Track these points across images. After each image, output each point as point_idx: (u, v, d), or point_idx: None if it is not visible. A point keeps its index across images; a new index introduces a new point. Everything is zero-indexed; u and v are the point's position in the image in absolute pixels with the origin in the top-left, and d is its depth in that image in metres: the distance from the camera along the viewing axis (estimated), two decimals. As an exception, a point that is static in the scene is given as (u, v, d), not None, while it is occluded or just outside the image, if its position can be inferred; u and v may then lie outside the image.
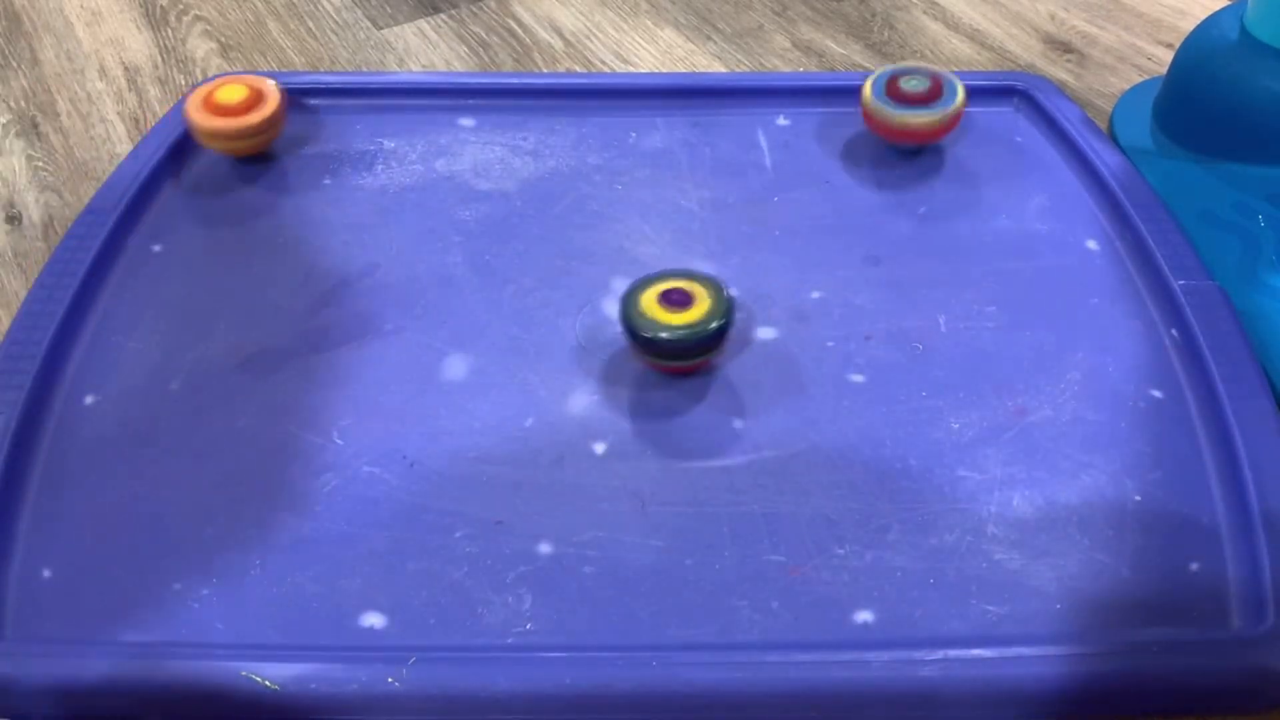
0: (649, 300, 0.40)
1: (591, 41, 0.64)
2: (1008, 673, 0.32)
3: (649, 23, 0.66)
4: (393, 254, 0.47)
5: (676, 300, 0.40)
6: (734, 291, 0.41)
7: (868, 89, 0.50)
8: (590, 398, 0.41)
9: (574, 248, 0.47)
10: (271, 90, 0.49)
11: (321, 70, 0.61)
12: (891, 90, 0.50)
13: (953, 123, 0.50)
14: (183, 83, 0.60)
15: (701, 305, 0.40)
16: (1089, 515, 0.37)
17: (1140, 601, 0.34)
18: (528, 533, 0.36)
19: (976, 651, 0.32)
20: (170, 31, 0.65)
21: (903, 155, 0.52)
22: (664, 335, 0.39)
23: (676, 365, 0.41)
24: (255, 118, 0.48)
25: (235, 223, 0.48)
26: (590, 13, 0.67)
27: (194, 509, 0.37)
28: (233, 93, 0.49)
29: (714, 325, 0.39)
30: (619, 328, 0.42)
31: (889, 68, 0.51)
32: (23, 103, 0.59)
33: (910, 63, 0.56)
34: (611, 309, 0.44)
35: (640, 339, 0.40)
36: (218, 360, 0.42)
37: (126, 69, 0.62)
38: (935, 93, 0.49)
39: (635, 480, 0.38)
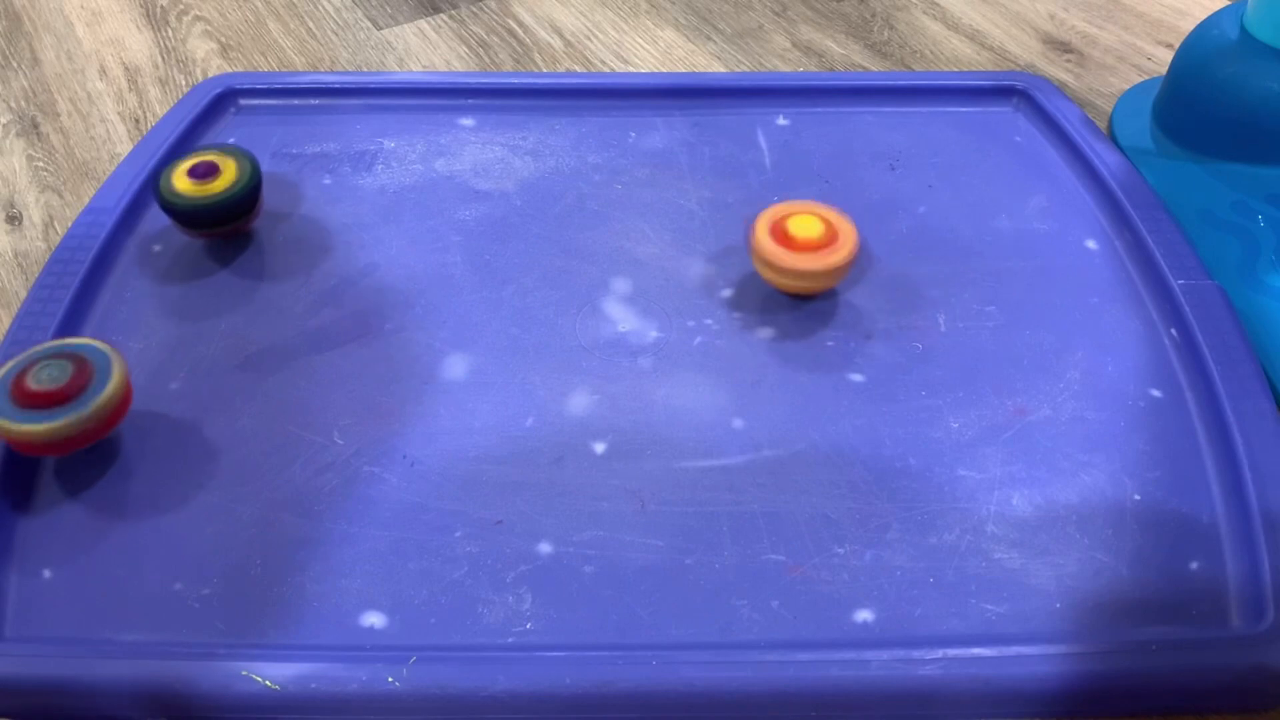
0: (179, 175, 0.44)
1: (591, 41, 0.64)
2: (1007, 672, 0.32)
3: (649, 23, 0.66)
4: (393, 254, 0.47)
5: (202, 173, 0.44)
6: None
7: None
8: (590, 398, 0.41)
9: (574, 248, 0.47)
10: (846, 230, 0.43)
11: (321, 70, 0.61)
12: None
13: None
14: (183, 83, 0.60)
15: (227, 176, 0.44)
16: (1088, 514, 0.37)
17: (1140, 600, 0.34)
18: (528, 532, 0.36)
19: (976, 650, 0.32)
20: (170, 31, 0.65)
21: (902, 156, 0.52)
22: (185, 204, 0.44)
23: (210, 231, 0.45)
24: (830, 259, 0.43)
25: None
26: (590, 13, 0.67)
27: (194, 509, 0.37)
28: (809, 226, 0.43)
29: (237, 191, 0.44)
30: (619, 328, 0.42)
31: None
32: (23, 103, 0.59)
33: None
34: (612, 309, 0.44)
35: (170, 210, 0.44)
36: (218, 360, 0.42)
37: (127, 69, 0.62)
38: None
39: (635, 480, 0.38)
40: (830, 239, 0.43)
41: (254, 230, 0.48)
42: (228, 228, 0.46)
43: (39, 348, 0.37)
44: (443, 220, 0.48)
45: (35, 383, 0.35)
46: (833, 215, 0.44)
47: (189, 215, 0.44)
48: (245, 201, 0.45)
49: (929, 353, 0.42)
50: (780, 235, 0.43)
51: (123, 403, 0.37)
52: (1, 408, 0.35)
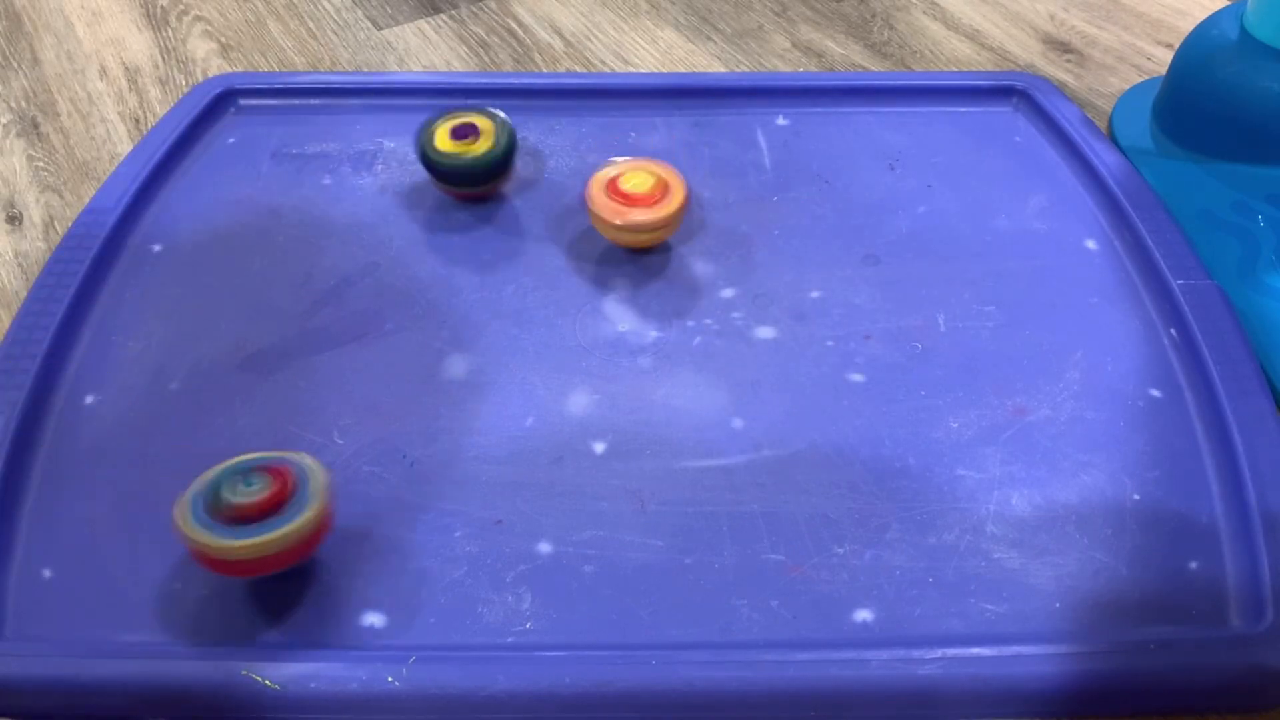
0: (442, 135, 0.47)
1: (591, 41, 0.64)
2: (1007, 671, 0.32)
3: (649, 23, 0.66)
4: (393, 254, 0.47)
5: (463, 133, 0.47)
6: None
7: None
8: (590, 398, 0.41)
9: (574, 248, 0.47)
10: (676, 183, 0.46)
11: (321, 70, 0.61)
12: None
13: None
14: (183, 83, 0.60)
15: (486, 138, 0.47)
16: (1088, 514, 0.37)
17: (1139, 600, 0.34)
18: (527, 532, 0.36)
19: (975, 650, 0.32)
20: (170, 31, 0.65)
21: (902, 156, 0.52)
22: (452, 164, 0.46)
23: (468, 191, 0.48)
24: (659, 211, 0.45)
25: (235, 223, 0.48)
26: (590, 13, 0.67)
27: (194, 509, 0.37)
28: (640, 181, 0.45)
29: (497, 154, 0.47)
30: (619, 327, 0.42)
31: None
32: (23, 103, 0.59)
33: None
34: (611, 309, 0.44)
35: (435, 170, 0.47)
36: (218, 360, 0.42)
37: (127, 69, 0.62)
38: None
39: (635, 480, 0.38)
40: (660, 193, 0.45)
41: (254, 229, 0.48)
42: (486, 187, 0.48)
43: (237, 461, 0.34)
44: (443, 220, 0.48)
45: (233, 496, 0.32)
46: (663, 170, 0.46)
47: (453, 175, 0.47)
48: (502, 163, 0.48)
49: (929, 353, 0.42)
50: (613, 190, 0.45)
51: (324, 521, 0.33)
52: (202, 521, 0.32)
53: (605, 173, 0.46)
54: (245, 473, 0.33)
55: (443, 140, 0.47)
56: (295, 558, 0.33)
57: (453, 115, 0.48)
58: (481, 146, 0.47)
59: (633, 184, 0.45)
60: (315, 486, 0.33)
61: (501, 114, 0.48)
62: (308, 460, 0.34)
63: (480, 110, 0.48)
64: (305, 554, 0.33)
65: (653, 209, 0.44)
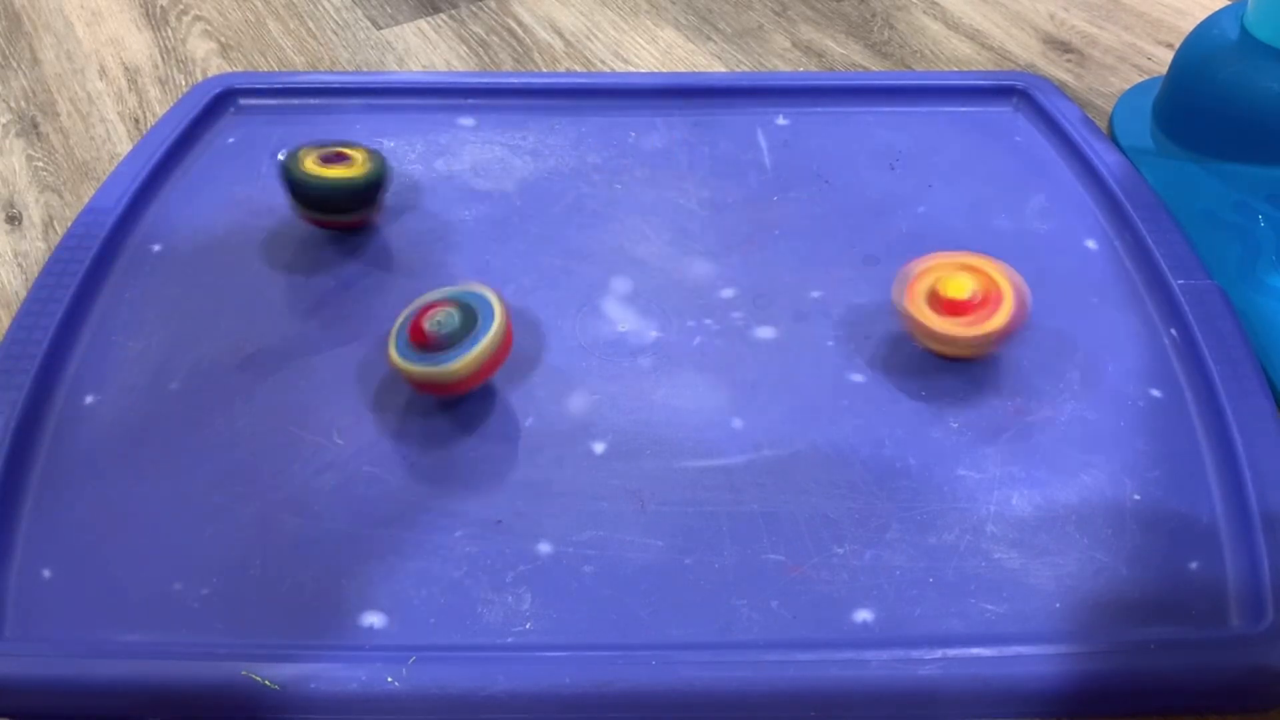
0: (309, 161, 0.45)
1: (591, 41, 0.64)
2: (1007, 672, 0.32)
3: (649, 23, 0.66)
4: (393, 254, 0.47)
5: (333, 159, 0.45)
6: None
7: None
8: (590, 398, 0.41)
9: (574, 248, 0.47)
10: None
11: (321, 70, 0.61)
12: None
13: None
14: (183, 83, 0.60)
15: (358, 165, 0.45)
16: (1088, 514, 0.37)
17: (1139, 600, 0.34)
18: (527, 532, 0.36)
19: (976, 650, 0.32)
20: (170, 31, 0.65)
21: (902, 156, 0.52)
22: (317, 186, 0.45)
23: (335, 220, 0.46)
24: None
25: (235, 223, 0.48)
26: (590, 13, 0.67)
27: (194, 509, 0.37)
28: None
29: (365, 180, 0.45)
30: (619, 328, 0.42)
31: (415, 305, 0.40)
32: (23, 103, 0.59)
33: None
34: (612, 309, 0.44)
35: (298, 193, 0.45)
36: (218, 360, 0.42)
37: (126, 69, 0.62)
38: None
39: (635, 480, 0.38)
40: (987, 299, 0.40)
41: (254, 229, 0.48)
42: (355, 215, 0.46)
43: (433, 295, 0.40)
44: (443, 220, 0.48)
45: (429, 326, 0.38)
46: (987, 266, 0.40)
47: (319, 198, 0.45)
48: (374, 188, 0.46)
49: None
50: (932, 297, 0.40)
51: (503, 348, 0.39)
52: (402, 351, 0.38)
53: (923, 275, 0.41)
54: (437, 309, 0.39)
55: (310, 164, 0.45)
56: (486, 374, 0.39)
57: (319, 146, 0.46)
58: (353, 170, 0.45)
59: (955, 289, 0.40)
60: (496, 312, 0.39)
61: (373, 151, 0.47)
62: (487, 292, 0.39)
63: (350, 144, 0.47)
64: (494, 369, 0.39)
65: (983, 319, 0.39)
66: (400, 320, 0.40)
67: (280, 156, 0.46)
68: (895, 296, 0.41)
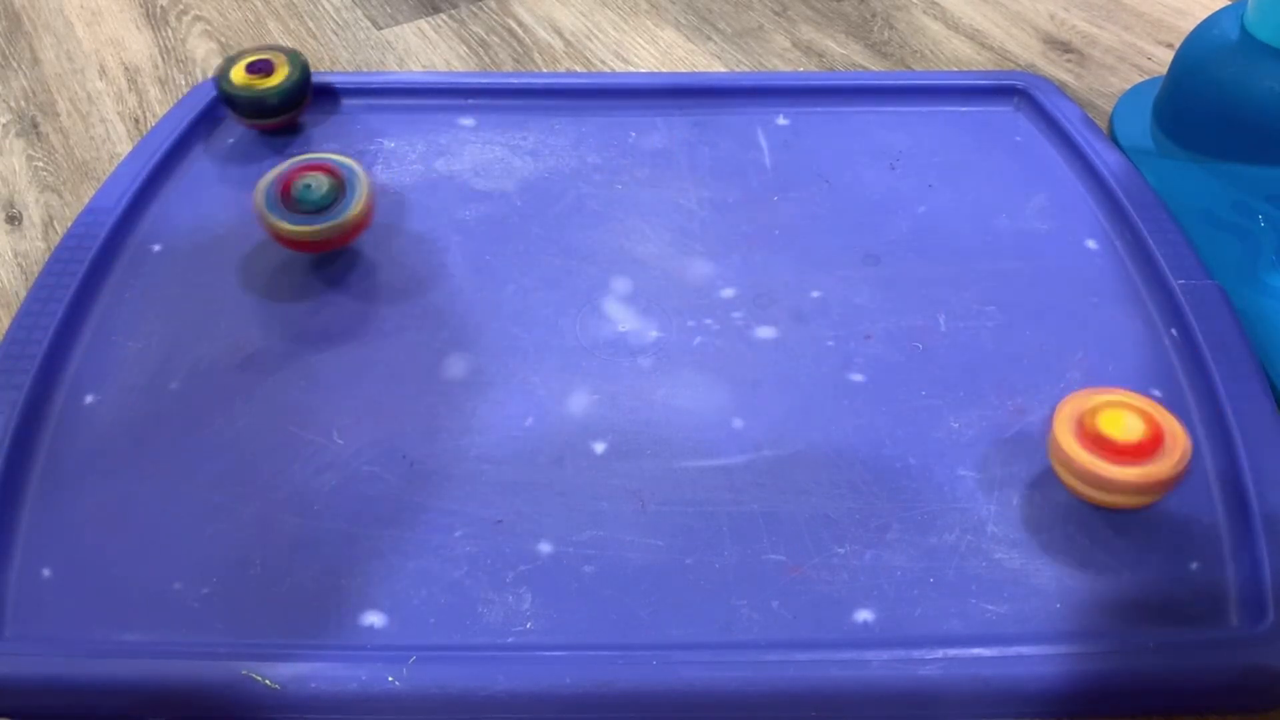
0: (238, 71, 0.51)
1: (591, 41, 0.64)
2: (1007, 672, 0.32)
3: (649, 23, 0.66)
4: (393, 254, 0.47)
5: (259, 68, 0.51)
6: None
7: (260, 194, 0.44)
8: (590, 398, 0.41)
9: (574, 248, 0.47)
10: None
11: (321, 70, 0.61)
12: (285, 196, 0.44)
13: (353, 230, 0.44)
14: (183, 83, 0.60)
15: (280, 71, 0.51)
16: (1089, 514, 0.37)
17: (1140, 601, 0.34)
18: (528, 532, 0.36)
19: (976, 651, 0.32)
20: (170, 31, 0.65)
21: (902, 156, 0.52)
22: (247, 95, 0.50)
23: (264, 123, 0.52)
24: None
25: (235, 223, 0.48)
26: (590, 13, 0.67)
27: (194, 509, 0.37)
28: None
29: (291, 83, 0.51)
30: (619, 327, 0.42)
31: (285, 166, 0.44)
32: (23, 103, 0.59)
33: (316, 157, 0.45)
34: (612, 309, 0.44)
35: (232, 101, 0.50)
36: (218, 360, 0.42)
37: (126, 69, 0.62)
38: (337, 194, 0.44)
39: (635, 480, 0.38)
40: (1152, 441, 0.34)
41: (254, 229, 0.48)
42: (284, 118, 0.52)
43: (301, 159, 0.45)
44: (443, 220, 0.48)
45: (299, 192, 0.43)
46: (1148, 406, 0.36)
47: (251, 106, 0.50)
48: (298, 92, 0.51)
49: (929, 353, 0.42)
50: (1086, 432, 0.35)
51: (366, 216, 0.44)
52: (275, 209, 0.43)
53: (1079, 406, 0.36)
54: (307, 174, 0.44)
55: (239, 75, 0.51)
56: (345, 241, 0.45)
57: (246, 54, 0.52)
58: (276, 79, 0.50)
59: (1114, 426, 0.35)
60: (360, 184, 0.44)
61: (294, 51, 0.52)
62: (354, 164, 0.45)
63: (272, 48, 0.52)
64: (352, 238, 0.45)
65: (1147, 463, 0.34)
66: (269, 179, 0.44)
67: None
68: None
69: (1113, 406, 0.36)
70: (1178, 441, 0.35)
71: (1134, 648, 0.32)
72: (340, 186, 0.44)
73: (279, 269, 0.46)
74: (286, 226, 0.43)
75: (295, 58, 0.51)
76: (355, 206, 0.44)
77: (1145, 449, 0.34)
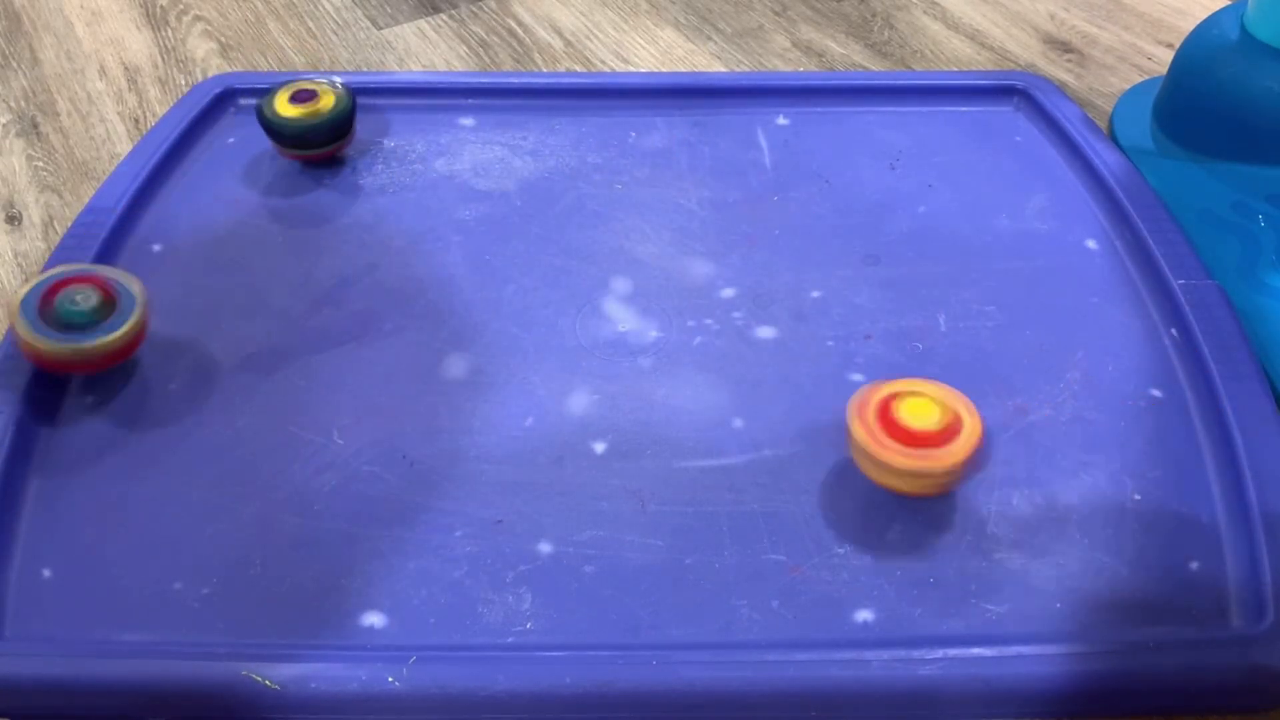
0: (281, 101, 0.49)
1: (591, 41, 0.64)
2: (1007, 672, 0.32)
3: (649, 23, 0.66)
4: (393, 254, 0.47)
5: (303, 99, 0.49)
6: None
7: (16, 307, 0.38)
8: (590, 398, 0.41)
9: (574, 248, 0.47)
10: None
11: (321, 70, 0.61)
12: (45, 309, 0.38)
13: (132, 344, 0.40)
14: (183, 83, 0.60)
15: (326, 100, 0.49)
16: (1089, 514, 0.37)
17: (1140, 600, 0.34)
18: (528, 532, 0.36)
19: (976, 650, 0.32)
20: (170, 31, 0.65)
21: (902, 156, 0.52)
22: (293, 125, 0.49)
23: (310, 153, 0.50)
24: None
25: (235, 223, 0.48)
26: (590, 13, 0.67)
27: (194, 509, 0.37)
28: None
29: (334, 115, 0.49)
30: (619, 327, 0.42)
31: (51, 275, 0.39)
32: (23, 103, 0.59)
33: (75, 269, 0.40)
34: (612, 309, 0.44)
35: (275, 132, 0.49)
36: (218, 360, 0.42)
37: (126, 69, 0.62)
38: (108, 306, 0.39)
39: (635, 480, 0.38)
40: (950, 429, 0.35)
41: (254, 229, 0.48)
42: (329, 149, 0.50)
43: (66, 269, 0.40)
44: (443, 220, 0.48)
45: (66, 306, 0.38)
46: (949, 395, 0.36)
47: (296, 136, 0.49)
48: (344, 123, 0.50)
49: (929, 353, 0.42)
50: (885, 419, 0.35)
51: (139, 336, 0.40)
52: (34, 324, 0.38)
53: (875, 394, 0.36)
54: (73, 286, 0.39)
55: (283, 105, 0.49)
56: (118, 360, 0.39)
57: (290, 85, 0.50)
58: (322, 107, 0.49)
59: (912, 413, 0.35)
60: (136, 297, 0.40)
61: (339, 81, 0.51)
62: (122, 275, 0.40)
63: (317, 80, 0.51)
64: (126, 356, 0.40)
65: (938, 451, 0.34)
66: (29, 288, 0.38)
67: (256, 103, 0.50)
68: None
69: (910, 394, 0.36)
70: (973, 427, 0.35)
71: (1134, 648, 0.32)
72: (112, 304, 0.39)
73: (279, 269, 0.46)
74: (42, 342, 0.37)
75: (336, 86, 0.50)
76: (125, 327, 0.39)
77: (940, 436, 0.35)
